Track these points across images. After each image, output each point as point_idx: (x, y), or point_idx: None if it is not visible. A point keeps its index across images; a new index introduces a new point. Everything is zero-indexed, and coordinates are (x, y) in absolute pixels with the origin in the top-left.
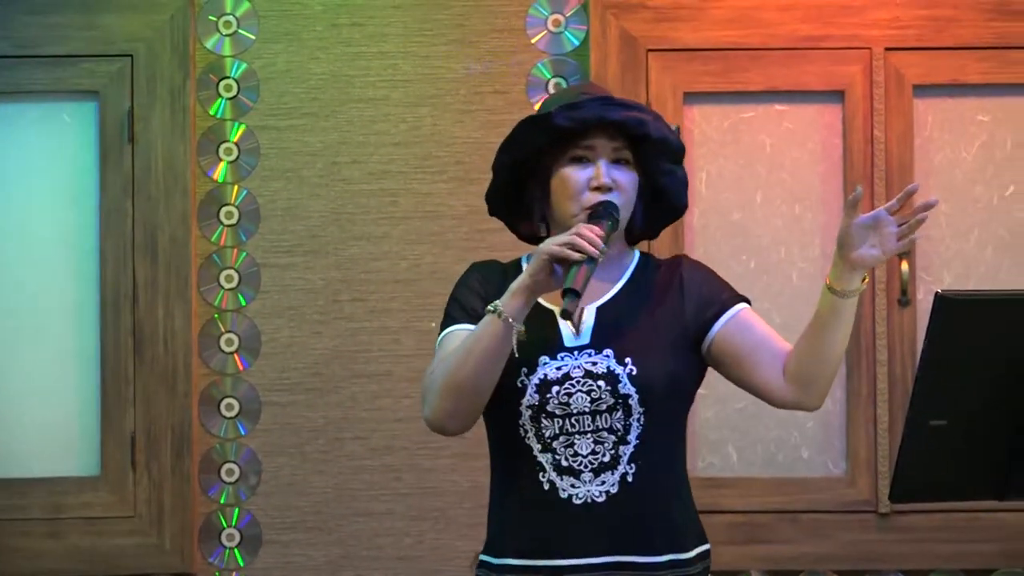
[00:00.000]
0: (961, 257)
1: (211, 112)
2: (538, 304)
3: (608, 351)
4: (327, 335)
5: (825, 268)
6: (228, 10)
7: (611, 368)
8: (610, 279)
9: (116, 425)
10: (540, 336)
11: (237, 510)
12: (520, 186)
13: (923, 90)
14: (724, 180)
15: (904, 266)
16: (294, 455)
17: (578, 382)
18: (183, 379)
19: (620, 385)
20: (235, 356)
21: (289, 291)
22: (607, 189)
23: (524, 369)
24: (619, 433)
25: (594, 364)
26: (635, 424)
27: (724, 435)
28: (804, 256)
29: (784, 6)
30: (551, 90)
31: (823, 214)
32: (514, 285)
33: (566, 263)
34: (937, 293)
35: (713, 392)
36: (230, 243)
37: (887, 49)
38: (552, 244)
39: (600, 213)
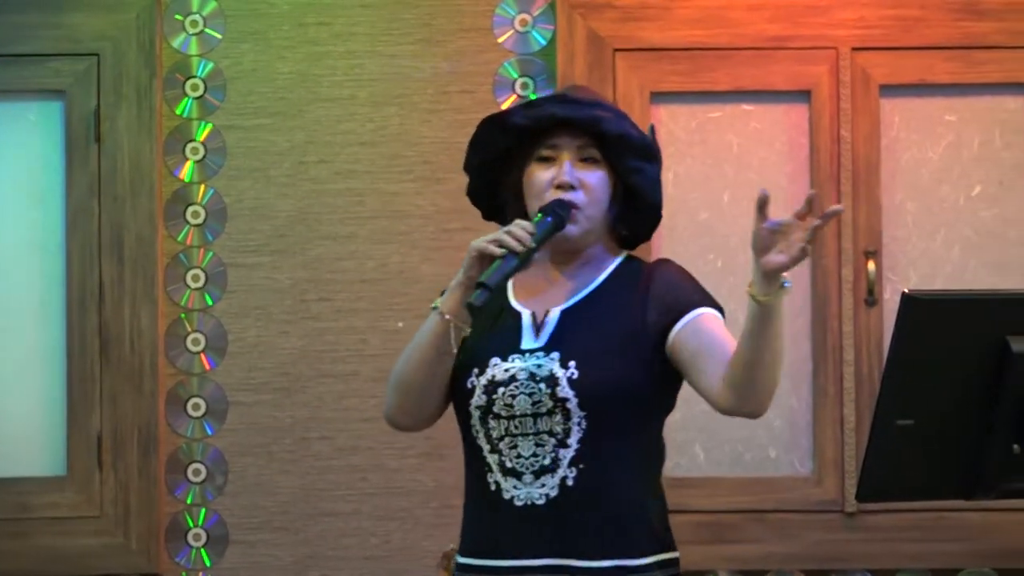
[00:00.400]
0: (928, 257)
1: (177, 111)
2: (508, 305)
3: (555, 354)
4: (294, 335)
5: (793, 268)
6: (195, 9)
7: (553, 372)
8: (583, 282)
9: (82, 425)
10: (499, 337)
11: (204, 510)
12: (496, 187)
13: (890, 90)
14: (691, 180)
15: (871, 266)
16: (261, 455)
17: (522, 384)
18: (149, 379)
19: (559, 388)
20: (202, 356)
21: (256, 291)
22: (569, 187)
23: (475, 370)
24: (559, 437)
25: (539, 367)
26: (576, 428)
27: (691, 435)
28: None
29: (751, 6)
30: (518, 90)
31: (790, 214)
32: (452, 282)
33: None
34: (904, 293)
35: (680, 393)
36: (197, 243)
37: (854, 49)
38: (481, 240)
39: (545, 210)
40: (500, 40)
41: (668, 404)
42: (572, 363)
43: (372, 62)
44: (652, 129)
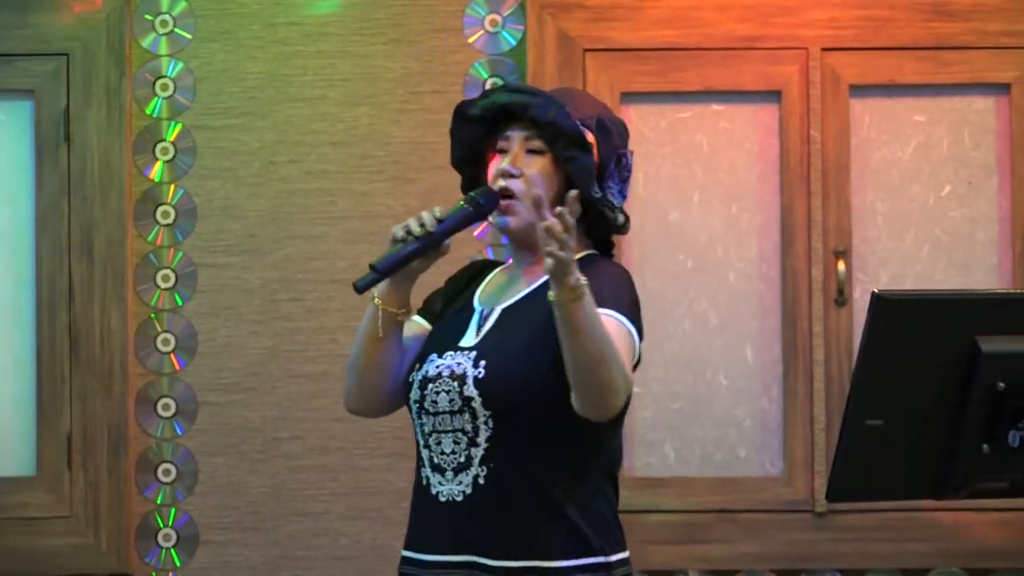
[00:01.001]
0: (898, 257)
1: (147, 111)
2: (471, 302)
3: (474, 352)
4: (264, 335)
5: (762, 268)
6: (164, 9)
7: (465, 370)
8: (530, 281)
9: (52, 425)
10: (448, 333)
11: (174, 510)
12: (479, 179)
13: (860, 90)
14: (661, 180)
15: (841, 266)
16: (231, 455)
17: (443, 382)
18: (119, 379)
19: (465, 387)
20: (172, 356)
21: (226, 291)
22: (508, 175)
23: (418, 364)
24: (469, 435)
25: (459, 365)
26: (483, 427)
27: (661, 435)
28: (741, 256)
29: (721, 6)
30: (488, 88)
31: (760, 214)
32: None
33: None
34: (874, 293)
35: (649, 391)
36: (167, 242)
37: (824, 49)
38: (397, 225)
39: (468, 199)
40: (470, 40)
41: None
42: (483, 362)
43: (343, 62)
44: (599, 121)
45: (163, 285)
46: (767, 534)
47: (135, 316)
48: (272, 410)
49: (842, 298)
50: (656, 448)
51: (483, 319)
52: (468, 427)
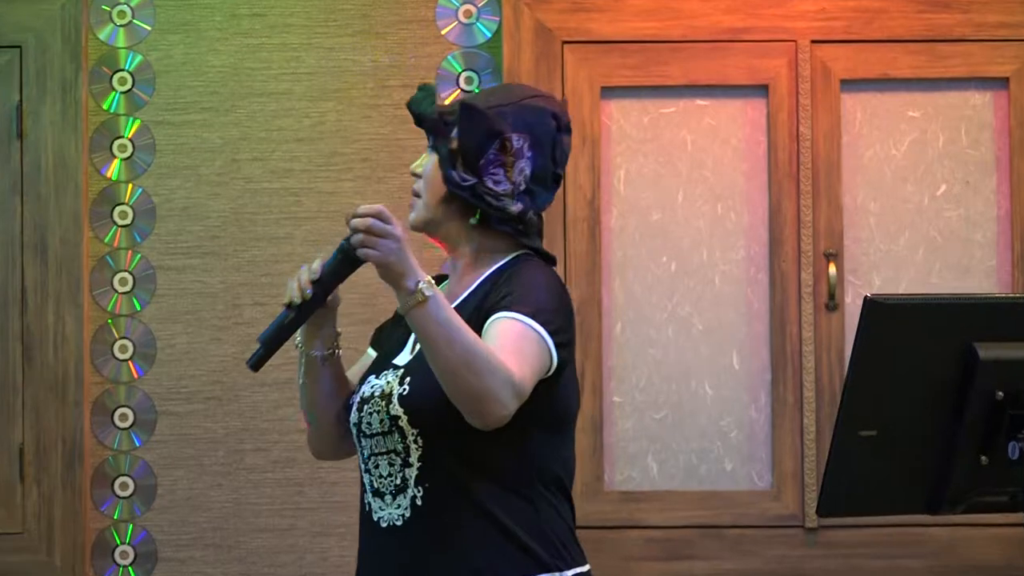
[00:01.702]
0: (891, 259)
1: (104, 106)
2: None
3: (401, 371)
4: (227, 341)
5: (749, 271)
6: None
7: (392, 389)
8: (461, 291)
9: (3, 436)
10: (387, 352)
11: (131, 526)
12: None
13: (851, 84)
14: (643, 179)
15: (831, 268)
16: (192, 468)
17: (375, 402)
18: (74, 387)
19: (391, 406)
20: (129, 363)
21: (186, 295)
22: (415, 176)
23: (359, 387)
24: (402, 455)
25: (388, 384)
26: (414, 446)
27: (643, 446)
28: (727, 258)
29: None
30: (462, 84)
31: (747, 214)
32: None
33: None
34: (866, 297)
35: (631, 401)
36: (124, 244)
37: (813, 42)
38: None
39: (339, 246)
40: (443, 32)
41: (531, 413)
42: (408, 379)
43: (309, 55)
44: (463, 105)
45: (120, 289)
46: (755, 551)
47: (91, 321)
48: (235, 420)
49: (833, 303)
50: (638, 461)
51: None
52: (399, 447)
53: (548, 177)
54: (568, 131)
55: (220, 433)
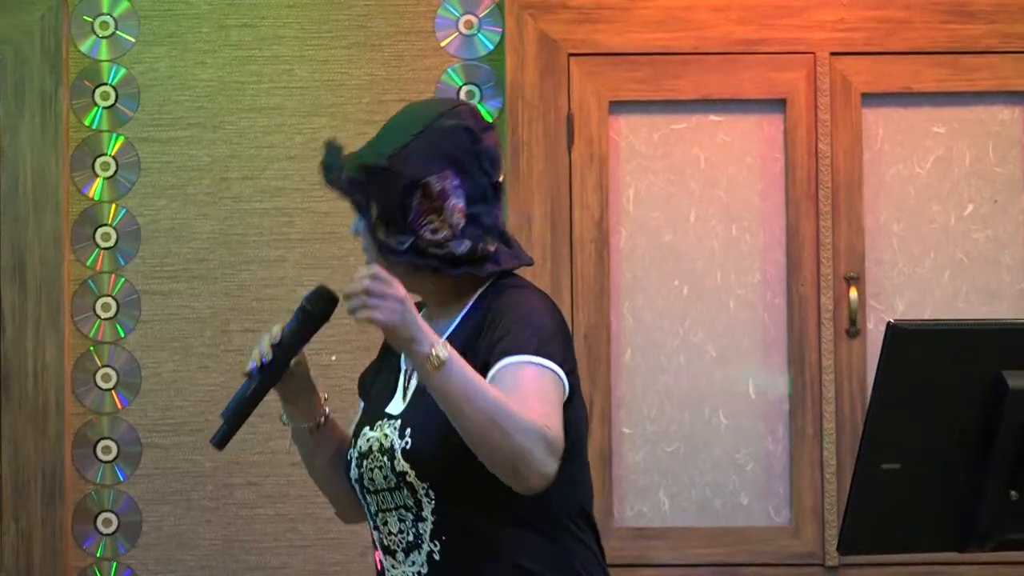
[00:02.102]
0: (915, 283)
1: (86, 122)
2: (397, 358)
3: (398, 421)
4: (215, 370)
5: (765, 295)
6: (105, 10)
7: (392, 443)
8: (443, 328)
9: None
10: (377, 400)
11: (115, 564)
12: None
13: (872, 99)
14: (653, 198)
15: (853, 293)
16: (179, 503)
17: (375, 457)
18: (55, 418)
19: (395, 462)
20: (112, 393)
21: (173, 321)
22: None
23: (354, 440)
24: (414, 510)
25: (386, 437)
26: (425, 500)
27: (654, 480)
28: (742, 282)
29: (718, 7)
30: (463, 98)
31: (763, 235)
32: None
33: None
34: (889, 323)
35: (642, 432)
36: (107, 268)
37: (832, 54)
38: None
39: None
40: (443, 44)
41: None
42: (408, 431)
43: (301, 68)
44: (368, 169)
45: (103, 315)
46: None
47: (72, 349)
48: (224, 453)
49: (854, 329)
50: (649, 495)
51: (408, 378)
52: (410, 502)
53: (487, 194)
54: (488, 127)
55: (208, 467)
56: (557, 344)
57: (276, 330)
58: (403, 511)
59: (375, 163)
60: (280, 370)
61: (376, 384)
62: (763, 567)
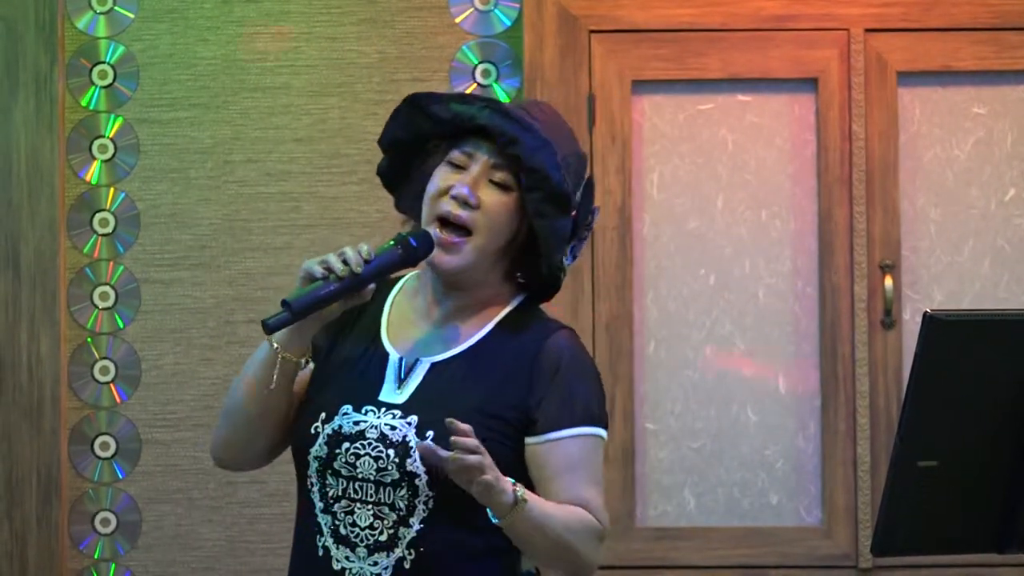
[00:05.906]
0: (954, 271)
1: (83, 103)
2: (378, 340)
3: (414, 417)
4: (218, 362)
5: (796, 285)
6: None
7: (407, 439)
8: (465, 332)
9: None
10: (358, 379)
11: (114, 566)
12: (409, 171)
13: (909, 78)
14: (679, 182)
15: (888, 282)
16: (180, 502)
17: (369, 444)
18: (50, 413)
19: (409, 461)
20: (111, 386)
21: (174, 311)
22: (464, 204)
23: (323, 414)
24: (401, 513)
25: (393, 429)
26: (421, 507)
27: (679, 479)
28: (772, 270)
29: None
30: (478, 78)
31: (793, 221)
32: None
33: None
34: (926, 313)
35: (666, 429)
36: (105, 255)
37: (867, 31)
38: (314, 259)
39: (399, 239)
40: (458, 20)
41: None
42: (431, 433)
43: (309, 46)
44: (594, 211)
45: (101, 304)
46: None
47: (68, 341)
48: None
49: (889, 319)
50: (674, 494)
51: (405, 370)
52: (401, 504)
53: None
54: None
55: (211, 464)
56: (603, 402)
57: (365, 249)
58: (386, 509)
59: (577, 151)
60: (359, 288)
61: (347, 356)
62: (793, 569)
